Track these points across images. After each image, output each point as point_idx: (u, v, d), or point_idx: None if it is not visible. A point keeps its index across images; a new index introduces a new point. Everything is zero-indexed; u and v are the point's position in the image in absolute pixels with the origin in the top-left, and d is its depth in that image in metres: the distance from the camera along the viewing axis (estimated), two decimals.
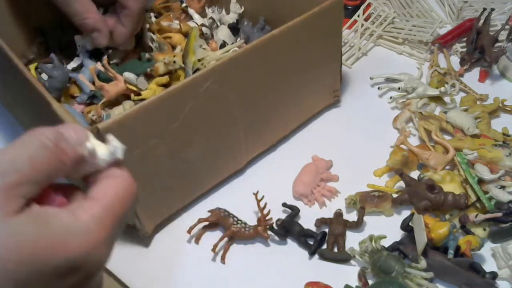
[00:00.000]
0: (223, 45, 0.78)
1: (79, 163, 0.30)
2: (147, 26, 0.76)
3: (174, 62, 0.68)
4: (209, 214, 0.65)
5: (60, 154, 0.29)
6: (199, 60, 0.71)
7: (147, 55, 0.71)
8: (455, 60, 0.89)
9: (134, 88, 0.69)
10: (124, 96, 0.70)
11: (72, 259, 0.27)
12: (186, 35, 0.77)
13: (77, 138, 0.30)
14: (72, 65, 0.73)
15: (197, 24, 0.80)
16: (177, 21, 0.81)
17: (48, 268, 0.26)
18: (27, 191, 0.27)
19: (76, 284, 0.29)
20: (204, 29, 0.80)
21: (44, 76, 0.68)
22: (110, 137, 0.32)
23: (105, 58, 0.70)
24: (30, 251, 0.26)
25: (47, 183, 0.29)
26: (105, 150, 0.31)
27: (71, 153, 0.29)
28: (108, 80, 0.69)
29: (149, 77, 0.71)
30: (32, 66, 0.71)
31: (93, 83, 0.69)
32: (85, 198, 0.30)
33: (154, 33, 0.76)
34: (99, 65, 0.70)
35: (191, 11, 0.83)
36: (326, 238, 0.64)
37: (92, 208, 0.29)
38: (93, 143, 0.30)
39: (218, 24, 0.84)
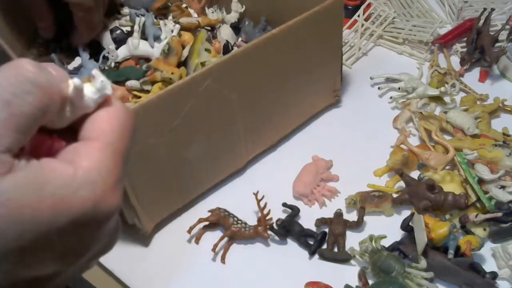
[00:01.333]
0: (226, 45, 0.78)
1: (64, 106, 0.25)
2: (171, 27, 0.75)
3: (170, 79, 0.68)
4: (209, 214, 0.65)
5: (47, 89, 0.24)
6: (202, 64, 0.71)
7: (145, 65, 0.71)
8: (455, 60, 0.89)
9: (137, 93, 0.69)
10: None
11: (79, 216, 0.24)
12: (207, 26, 0.77)
13: (58, 76, 0.25)
14: (73, 65, 0.73)
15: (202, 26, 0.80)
16: (196, 15, 0.80)
17: (53, 229, 0.23)
18: (11, 143, 0.22)
19: (89, 236, 0.26)
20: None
21: None
22: (95, 72, 0.27)
23: (96, 69, 0.70)
24: (29, 218, 0.22)
25: (35, 128, 0.24)
26: (91, 87, 0.27)
27: (57, 89, 0.24)
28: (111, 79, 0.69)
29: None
30: None
31: None
32: (80, 140, 0.26)
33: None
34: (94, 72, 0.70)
35: (191, 11, 0.83)
36: (326, 238, 0.64)
37: (91, 152, 0.25)
38: (76, 80, 0.26)
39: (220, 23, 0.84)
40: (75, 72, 0.71)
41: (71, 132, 0.27)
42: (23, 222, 0.22)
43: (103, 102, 0.27)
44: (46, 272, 0.25)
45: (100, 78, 0.27)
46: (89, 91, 0.26)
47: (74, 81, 0.25)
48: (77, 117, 0.27)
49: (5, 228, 0.22)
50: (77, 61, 0.73)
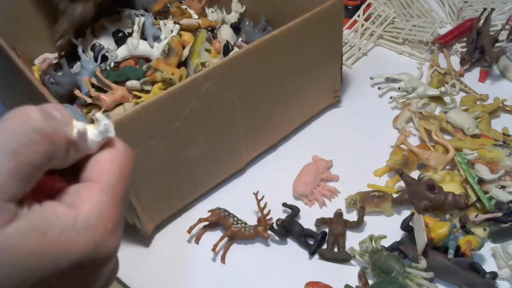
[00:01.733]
0: (227, 45, 0.78)
1: (68, 148, 0.25)
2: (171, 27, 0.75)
3: (171, 79, 0.68)
4: (209, 214, 0.65)
5: (53, 137, 0.24)
6: (202, 64, 0.71)
7: (145, 65, 0.71)
8: (455, 60, 0.89)
9: (137, 93, 0.69)
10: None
11: (79, 259, 0.24)
12: (207, 28, 0.77)
13: (63, 119, 0.25)
14: (75, 70, 0.73)
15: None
16: (196, 16, 0.80)
17: (55, 273, 0.24)
18: (16, 191, 0.23)
19: (88, 278, 0.26)
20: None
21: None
22: (99, 115, 0.27)
23: (97, 69, 0.70)
24: (32, 263, 0.23)
25: (40, 175, 0.24)
26: (94, 129, 0.27)
27: (63, 134, 0.25)
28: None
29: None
30: (35, 68, 0.71)
31: (90, 96, 0.69)
32: (82, 182, 0.26)
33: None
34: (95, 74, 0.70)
35: (191, 11, 0.83)
36: (326, 238, 0.64)
37: (92, 194, 0.26)
38: (80, 124, 0.26)
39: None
40: (78, 75, 0.72)
41: (72, 170, 0.27)
42: (26, 267, 0.23)
43: (106, 143, 0.28)
44: None
45: (104, 122, 0.27)
46: (93, 133, 0.27)
47: (78, 126, 0.26)
48: (80, 158, 0.27)
49: (9, 274, 0.22)
50: (79, 66, 0.73)
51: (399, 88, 0.82)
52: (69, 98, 0.71)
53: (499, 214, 0.61)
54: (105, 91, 0.69)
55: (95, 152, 0.27)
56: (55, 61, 0.76)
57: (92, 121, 0.28)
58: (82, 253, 0.24)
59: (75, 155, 0.26)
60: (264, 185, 0.66)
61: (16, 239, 0.22)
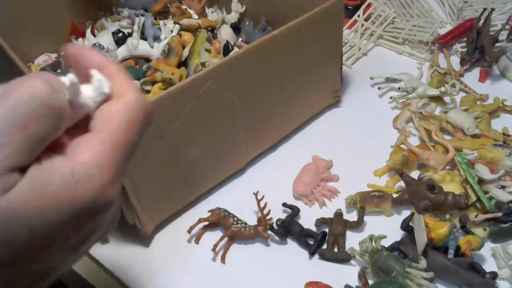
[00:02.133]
0: (227, 45, 0.78)
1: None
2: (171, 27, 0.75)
3: (171, 79, 0.68)
4: (209, 214, 0.65)
5: (60, 109, 0.25)
6: (202, 64, 0.71)
7: (145, 65, 0.71)
8: (455, 60, 0.89)
9: None
10: None
11: (79, 208, 0.25)
12: (207, 28, 0.78)
13: (61, 89, 0.25)
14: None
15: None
16: (196, 16, 0.80)
17: (58, 223, 0.25)
18: (22, 161, 0.23)
19: (90, 226, 0.27)
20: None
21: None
22: (93, 71, 0.27)
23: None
24: (36, 218, 0.24)
25: (45, 145, 0.25)
26: (90, 86, 0.27)
27: (66, 105, 0.25)
28: None
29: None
30: (33, 67, 0.71)
31: None
32: (89, 132, 0.27)
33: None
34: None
35: (191, 12, 0.83)
36: (326, 238, 0.64)
37: (91, 145, 0.26)
38: (71, 75, 0.26)
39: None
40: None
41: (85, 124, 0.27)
42: (33, 224, 0.24)
43: (122, 93, 0.27)
44: (52, 263, 0.27)
45: (97, 77, 0.27)
46: (88, 90, 0.27)
47: (69, 77, 0.26)
48: (80, 117, 0.27)
49: (18, 232, 0.23)
50: None
51: (399, 88, 0.82)
52: None
53: (499, 214, 0.61)
54: None
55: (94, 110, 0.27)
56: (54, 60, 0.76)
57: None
58: (82, 203, 0.25)
59: (73, 113, 0.26)
60: (264, 185, 0.66)
61: (19, 201, 0.23)
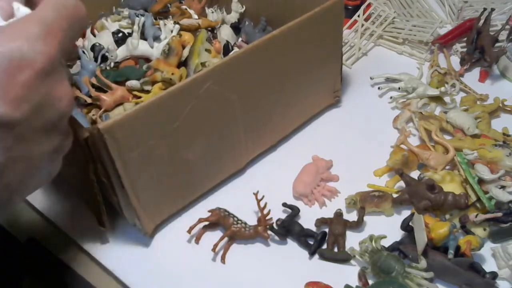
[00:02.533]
0: (227, 45, 0.78)
1: None
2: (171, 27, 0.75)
3: (171, 79, 0.68)
4: (209, 214, 0.65)
5: None
6: (202, 64, 0.71)
7: (145, 65, 0.71)
8: (455, 60, 0.90)
9: (137, 93, 0.69)
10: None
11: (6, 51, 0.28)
12: (207, 28, 0.78)
13: None
14: (75, 70, 0.73)
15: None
16: (196, 16, 0.80)
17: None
18: None
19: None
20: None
21: None
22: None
23: (97, 69, 0.70)
24: None
25: None
26: None
27: None
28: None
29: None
30: None
31: (90, 96, 0.69)
32: None
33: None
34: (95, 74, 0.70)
35: (191, 12, 0.83)
36: (326, 238, 0.64)
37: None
38: None
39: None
40: (77, 75, 0.72)
41: None
42: None
43: None
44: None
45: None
46: None
47: None
48: None
49: None
50: (79, 66, 0.73)
51: (399, 88, 0.82)
52: None
53: (499, 214, 0.61)
54: (105, 91, 0.69)
55: None
56: None
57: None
58: (9, 46, 0.28)
59: None
60: (264, 185, 0.66)
61: None
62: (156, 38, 0.73)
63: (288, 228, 0.64)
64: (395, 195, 0.67)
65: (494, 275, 0.57)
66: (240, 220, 0.64)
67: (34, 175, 0.34)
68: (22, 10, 0.31)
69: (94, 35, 0.76)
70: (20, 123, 0.29)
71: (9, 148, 0.30)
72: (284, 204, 0.66)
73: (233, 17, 0.86)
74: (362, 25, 0.95)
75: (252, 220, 0.65)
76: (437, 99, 0.81)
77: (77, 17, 0.33)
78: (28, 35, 0.29)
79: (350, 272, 0.61)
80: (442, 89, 0.80)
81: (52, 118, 0.32)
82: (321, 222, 0.65)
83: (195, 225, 0.64)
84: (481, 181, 0.65)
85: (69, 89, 0.33)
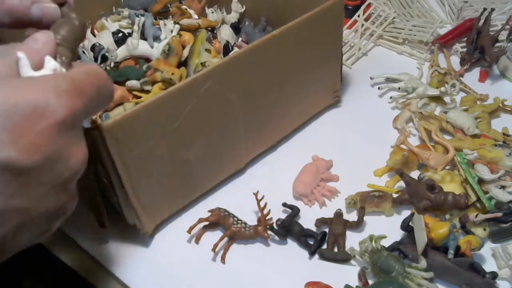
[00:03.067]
0: (227, 45, 0.78)
1: None
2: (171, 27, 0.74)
3: (171, 79, 0.68)
4: (209, 214, 0.65)
5: None
6: (202, 64, 0.71)
7: (145, 65, 0.71)
8: (455, 60, 0.90)
9: (137, 93, 0.69)
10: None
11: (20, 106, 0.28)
12: (207, 28, 0.78)
13: None
14: None
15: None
16: (196, 16, 0.80)
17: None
18: None
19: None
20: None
21: None
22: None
23: None
24: None
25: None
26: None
27: None
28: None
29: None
30: None
31: None
32: None
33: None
34: None
35: (191, 12, 0.83)
36: (326, 238, 0.64)
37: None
38: None
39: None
40: None
41: None
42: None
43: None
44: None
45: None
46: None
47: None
48: None
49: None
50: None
51: (399, 88, 0.82)
52: None
53: (499, 214, 0.61)
54: None
55: None
56: None
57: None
58: (26, 100, 0.28)
59: None
60: (264, 185, 0.66)
61: None
62: (156, 38, 0.73)
63: (288, 228, 0.64)
64: (395, 195, 0.67)
65: (494, 275, 0.57)
66: (240, 220, 0.64)
67: (29, 232, 0.32)
68: (52, 64, 0.32)
69: (94, 35, 0.76)
70: (29, 172, 0.29)
71: (12, 195, 0.29)
72: (284, 204, 0.66)
73: (233, 17, 0.86)
74: (362, 25, 0.95)
75: (252, 220, 0.65)
76: (437, 99, 0.81)
77: (106, 87, 0.34)
78: (57, 88, 0.30)
79: (350, 272, 0.61)
80: (442, 89, 0.80)
81: (62, 175, 0.31)
82: (321, 222, 0.65)
83: (195, 225, 0.64)
84: (481, 181, 0.65)
85: (85, 151, 0.33)
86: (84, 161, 0.33)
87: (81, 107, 0.31)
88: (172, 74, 0.69)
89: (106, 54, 0.72)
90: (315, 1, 0.66)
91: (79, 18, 0.36)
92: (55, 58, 0.33)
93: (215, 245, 0.63)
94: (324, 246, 0.64)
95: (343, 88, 0.83)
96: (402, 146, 0.72)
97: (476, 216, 0.61)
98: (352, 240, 0.63)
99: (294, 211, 0.65)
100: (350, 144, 0.76)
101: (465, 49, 0.89)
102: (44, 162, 0.29)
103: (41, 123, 0.29)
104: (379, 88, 0.84)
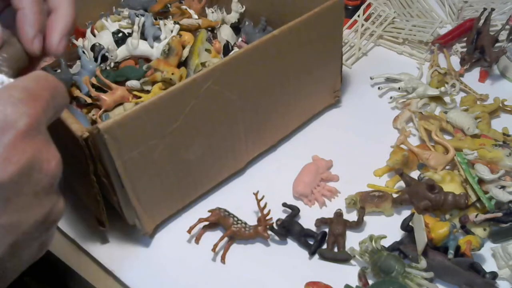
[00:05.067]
0: (227, 45, 0.78)
1: None
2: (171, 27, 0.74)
3: (171, 79, 0.68)
4: (209, 214, 0.65)
5: None
6: (202, 64, 0.71)
7: (145, 65, 0.71)
8: (455, 60, 0.90)
9: (137, 93, 0.69)
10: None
11: None
12: (207, 28, 0.77)
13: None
14: (75, 70, 0.73)
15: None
16: (196, 16, 0.80)
17: None
18: None
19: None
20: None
21: None
22: None
23: (97, 69, 0.70)
24: None
25: None
26: None
27: None
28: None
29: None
30: None
31: (90, 96, 0.69)
32: None
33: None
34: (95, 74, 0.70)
35: (191, 12, 0.83)
36: (326, 238, 0.64)
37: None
38: None
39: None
40: (77, 74, 0.72)
41: None
42: None
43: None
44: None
45: None
46: None
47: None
48: None
49: None
50: (79, 66, 0.73)
51: (399, 88, 0.82)
52: None
53: (499, 214, 0.61)
54: (105, 91, 0.69)
55: None
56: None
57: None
58: None
59: None
60: (264, 185, 0.66)
61: None
62: (156, 38, 0.73)
63: (288, 228, 0.64)
64: (395, 195, 0.67)
65: (494, 275, 0.57)
66: (240, 220, 0.64)
67: (25, 247, 0.32)
68: (6, 82, 0.34)
69: (94, 35, 0.76)
70: (7, 187, 0.29)
71: None
72: (284, 204, 0.66)
73: (233, 17, 0.86)
74: (362, 25, 0.95)
75: (252, 220, 0.65)
76: (437, 99, 0.81)
77: (58, 90, 0.34)
78: (11, 98, 0.30)
79: (350, 272, 0.61)
80: (442, 89, 0.80)
81: (41, 181, 0.31)
82: (321, 222, 0.65)
83: (195, 225, 0.64)
84: (481, 181, 0.65)
85: (57, 152, 0.33)
86: (59, 164, 0.32)
87: (40, 112, 0.31)
88: (172, 74, 0.68)
89: (106, 54, 0.72)
90: (315, 1, 0.66)
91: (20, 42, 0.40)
92: None
93: (215, 245, 0.63)
94: (324, 246, 0.64)
95: (343, 88, 0.83)
96: (402, 146, 0.72)
97: (476, 216, 0.61)
98: (352, 240, 0.63)
99: (294, 211, 0.65)
100: (350, 144, 0.76)
101: (465, 49, 0.89)
102: (20, 173, 0.29)
103: (5, 136, 0.29)
104: (379, 88, 0.84)
